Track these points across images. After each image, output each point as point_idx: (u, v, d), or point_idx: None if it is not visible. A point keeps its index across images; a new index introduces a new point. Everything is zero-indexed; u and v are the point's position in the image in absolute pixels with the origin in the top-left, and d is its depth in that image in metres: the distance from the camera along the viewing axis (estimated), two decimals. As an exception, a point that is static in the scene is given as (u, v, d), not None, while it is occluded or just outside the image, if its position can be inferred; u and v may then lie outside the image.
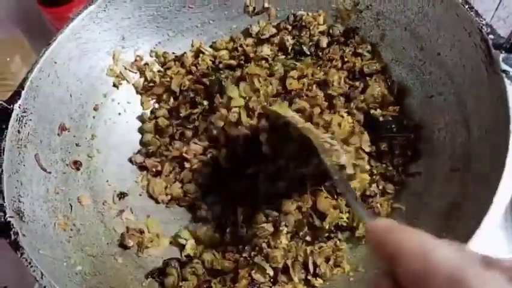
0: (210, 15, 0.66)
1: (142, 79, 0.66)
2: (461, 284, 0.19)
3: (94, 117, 0.61)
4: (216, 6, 0.65)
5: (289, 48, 0.63)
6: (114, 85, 0.63)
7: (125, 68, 0.64)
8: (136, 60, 0.65)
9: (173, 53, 0.67)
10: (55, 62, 0.55)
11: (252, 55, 0.63)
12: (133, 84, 0.65)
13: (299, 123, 0.50)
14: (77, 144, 0.57)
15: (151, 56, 0.66)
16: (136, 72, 0.65)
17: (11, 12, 0.85)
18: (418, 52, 0.56)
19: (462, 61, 0.50)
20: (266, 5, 0.65)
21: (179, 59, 0.66)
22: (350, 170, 0.45)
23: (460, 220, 0.42)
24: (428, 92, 0.55)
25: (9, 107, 0.49)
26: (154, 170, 0.62)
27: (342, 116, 0.54)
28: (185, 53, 0.66)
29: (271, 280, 0.51)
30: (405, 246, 0.21)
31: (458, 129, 0.49)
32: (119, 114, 0.64)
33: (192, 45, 0.67)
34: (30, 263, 0.41)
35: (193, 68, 0.64)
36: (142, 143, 0.64)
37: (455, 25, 0.50)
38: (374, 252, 0.23)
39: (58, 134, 0.55)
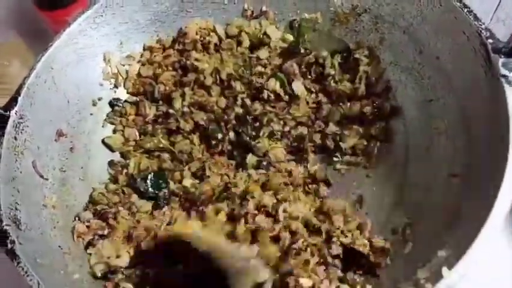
0: (209, 20, 0.65)
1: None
2: None
3: (91, 122, 0.60)
4: (214, 11, 0.65)
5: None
6: (111, 90, 0.63)
7: (119, 68, 0.63)
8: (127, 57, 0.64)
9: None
10: (52, 68, 0.55)
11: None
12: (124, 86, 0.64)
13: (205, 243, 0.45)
14: (73, 150, 0.57)
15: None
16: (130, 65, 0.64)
17: (9, 15, 0.84)
18: (417, 56, 0.55)
19: (461, 65, 0.49)
20: (264, 8, 0.65)
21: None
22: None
23: (460, 228, 0.41)
24: (427, 96, 0.54)
25: (5, 113, 0.49)
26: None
27: None
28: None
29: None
30: None
31: (458, 134, 0.49)
32: (117, 119, 0.63)
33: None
34: (26, 272, 0.40)
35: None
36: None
37: (453, 29, 0.49)
38: None
39: (55, 140, 0.55)
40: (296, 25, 0.63)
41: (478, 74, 0.46)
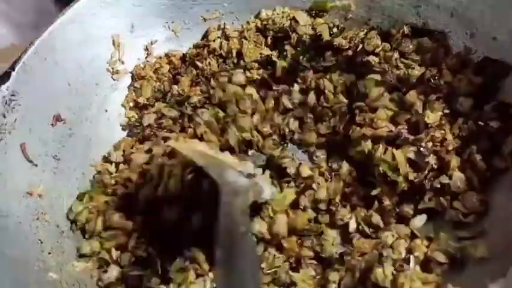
0: (226, 6, 0.60)
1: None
2: None
3: (96, 110, 0.55)
4: (232, -3, 0.60)
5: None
6: (120, 75, 0.58)
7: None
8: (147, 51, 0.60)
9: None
10: (53, 46, 0.50)
11: None
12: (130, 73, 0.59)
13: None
14: (71, 137, 0.51)
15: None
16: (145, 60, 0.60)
17: (28, 17, 0.83)
18: (467, 40, 0.47)
19: (524, 44, 0.41)
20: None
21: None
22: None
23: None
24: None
25: (-5, 88, 0.44)
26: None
27: None
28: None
29: None
30: None
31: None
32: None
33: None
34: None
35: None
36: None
37: (514, 2, 0.41)
38: None
39: (52, 125, 0.50)
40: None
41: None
